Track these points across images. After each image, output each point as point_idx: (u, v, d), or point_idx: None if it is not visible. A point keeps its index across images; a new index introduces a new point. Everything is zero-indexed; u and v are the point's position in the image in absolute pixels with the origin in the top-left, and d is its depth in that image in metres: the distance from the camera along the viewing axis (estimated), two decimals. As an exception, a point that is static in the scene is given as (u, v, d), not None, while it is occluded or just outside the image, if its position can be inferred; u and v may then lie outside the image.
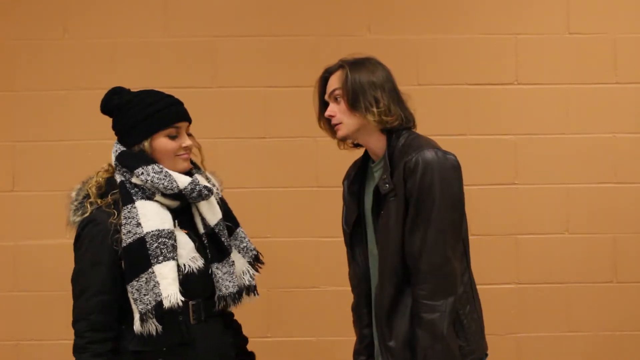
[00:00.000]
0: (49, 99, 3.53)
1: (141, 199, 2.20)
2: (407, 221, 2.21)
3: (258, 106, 3.53)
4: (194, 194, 2.23)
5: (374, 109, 2.28)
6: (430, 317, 2.17)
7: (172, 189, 2.20)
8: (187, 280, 2.19)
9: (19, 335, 3.51)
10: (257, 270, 2.43)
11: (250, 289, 2.39)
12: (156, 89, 2.33)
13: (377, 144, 2.36)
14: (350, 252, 2.47)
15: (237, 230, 2.41)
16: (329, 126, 2.41)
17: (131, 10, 3.54)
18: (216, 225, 2.31)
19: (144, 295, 2.12)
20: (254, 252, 2.43)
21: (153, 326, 2.11)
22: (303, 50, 3.55)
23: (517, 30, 3.58)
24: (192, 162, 2.37)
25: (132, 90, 2.34)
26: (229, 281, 2.29)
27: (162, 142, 2.25)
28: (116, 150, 2.27)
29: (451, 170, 2.23)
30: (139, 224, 2.16)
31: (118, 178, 2.25)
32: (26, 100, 3.53)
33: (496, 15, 3.59)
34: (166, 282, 2.12)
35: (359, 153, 2.49)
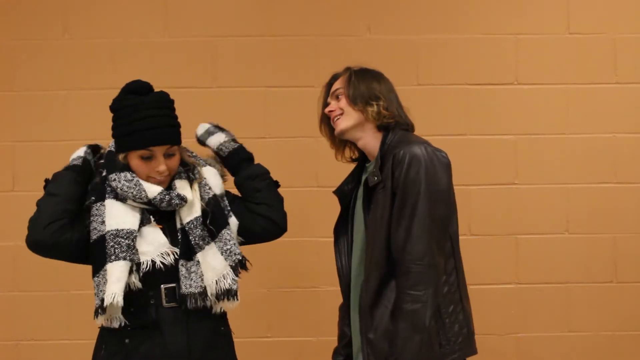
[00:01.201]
0: (49, 99, 3.53)
1: (113, 198, 2.30)
2: (393, 212, 2.24)
3: (258, 106, 3.54)
4: (164, 204, 2.31)
5: (374, 102, 2.36)
6: (411, 307, 2.18)
7: (140, 199, 2.29)
8: (154, 274, 2.26)
9: (19, 335, 3.51)
10: (236, 275, 2.36)
11: (231, 293, 2.33)
12: (161, 95, 2.36)
13: (373, 142, 2.40)
14: (335, 247, 2.52)
15: (223, 231, 2.37)
16: (330, 131, 2.49)
17: (131, 10, 3.54)
18: (188, 223, 2.33)
19: (100, 291, 2.23)
20: (238, 257, 2.36)
21: (106, 319, 2.23)
22: (303, 50, 3.55)
23: (517, 30, 3.58)
24: (192, 155, 2.45)
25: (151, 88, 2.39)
26: (193, 280, 2.29)
27: (134, 162, 2.32)
28: (108, 147, 2.38)
29: (438, 166, 2.26)
30: (103, 222, 2.27)
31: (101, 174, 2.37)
32: (26, 100, 3.53)
33: (496, 15, 3.59)
34: (110, 281, 2.21)
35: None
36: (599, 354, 3.56)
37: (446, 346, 2.25)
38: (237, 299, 2.34)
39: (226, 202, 2.45)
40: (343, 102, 2.41)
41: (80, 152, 2.41)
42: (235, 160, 2.51)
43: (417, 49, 3.57)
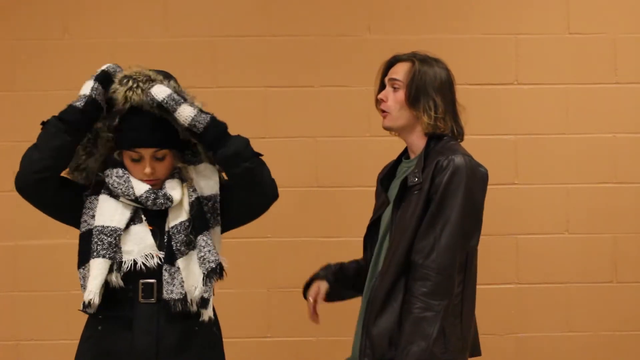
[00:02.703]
0: (49, 99, 3.52)
1: (107, 194, 2.31)
2: (425, 217, 2.23)
3: (258, 106, 3.53)
4: (149, 202, 2.29)
5: (432, 113, 2.32)
6: (423, 314, 2.17)
7: (128, 195, 2.29)
8: (135, 273, 2.26)
9: (19, 335, 3.51)
10: (205, 284, 2.28)
11: (204, 303, 2.28)
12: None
13: (417, 142, 2.38)
14: (365, 242, 2.49)
15: (199, 237, 2.30)
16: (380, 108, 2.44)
17: (131, 10, 3.54)
18: (172, 227, 2.31)
19: (83, 286, 2.28)
20: (211, 265, 2.28)
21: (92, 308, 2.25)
22: (303, 50, 3.54)
23: (517, 30, 3.58)
24: (193, 150, 2.38)
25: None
26: (174, 286, 2.26)
27: (126, 161, 2.33)
28: None
29: (479, 181, 2.27)
30: (93, 216, 2.29)
31: None
32: (26, 100, 3.52)
33: (496, 15, 3.59)
34: (91, 278, 2.24)
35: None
36: (599, 354, 3.56)
37: (444, 354, 2.23)
38: (207, 308, 2.29)
39: (214, 202, 2.36)
40: (399, 98, 2.36)
41: (87, 88, 2.34)
42: (211, 136, 2.29)
43: (417, 49, 3.56)
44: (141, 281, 2.28)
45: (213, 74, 3.52)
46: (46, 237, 3.47)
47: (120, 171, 2.31)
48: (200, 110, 2.31)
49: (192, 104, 2.31)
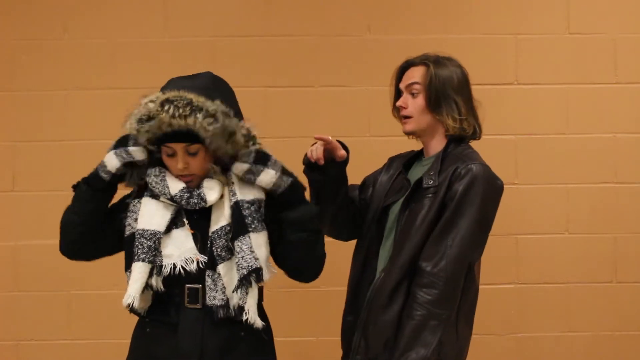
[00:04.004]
0: (49, 99, 3.53)
1: (149, 196, 2.28)
2: (438, 224, 2.21)
3: (258, 106, 3.53)
4: (183, 202, 2.25)
5: (456, 115, 2.30)
6: (426, 322, 2.16)
7: (165, 194, 2.25)
8: (180, 277, 2.23)
9: (19, 335, 3.50)
10: (238, 291, 2.22)
11: (240, 310, 2.23)
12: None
13: (436, 145, 2.37)
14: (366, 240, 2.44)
15: (235, 243, 2.23)
16: (400, 115, 2.42)
17: (131, 10, 3.54)
18: (214, 232, 2.26)
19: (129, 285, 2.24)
20: (244, 272, 2.22)
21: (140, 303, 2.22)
22: (303, 50, 3.54)
23: (517, 30, 3.58)
24: (230, 155, 2.27)
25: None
26: (215, 291, 2.23)
27: (164, 157, 2.28)
28: None
29: (495, 194, 2.28)
30: (136, 219, 2.26)
31: None
32: (26, 100, 3.52)
33: (496, 15, 3.59)
34: (131, 281, 2.22)
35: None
36: (599, 354, 3.55)
37: None
38: (243, 316, 2.23)
39: (258, 206, 2.27)
40: (419, 103, 2.34)
41: (114, 161, 2.25)
42: (285, 198, 2.28)
43: (417, 49, 3.55)
44: (187, 286, 2.24)
45: (213, 74, 3.52)
46: (46, 237, 3.46)
47: (157, 170, 2.27)
48: (282, 172, 2.28)
49: (273, 165, 2.27)
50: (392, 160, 2.55)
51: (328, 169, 2.41)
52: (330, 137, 2.40)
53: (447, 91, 2.31)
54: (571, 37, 3.58)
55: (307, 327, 3.52)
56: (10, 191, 3.51)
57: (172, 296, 2.25)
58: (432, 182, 2.24)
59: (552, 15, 3.58)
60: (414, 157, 2.47)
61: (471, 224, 2.19)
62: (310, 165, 2.44)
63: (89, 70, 3.53)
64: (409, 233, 2.24)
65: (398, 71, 2.44)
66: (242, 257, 2.21)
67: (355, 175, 3.44)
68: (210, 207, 2.28)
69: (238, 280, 2.22)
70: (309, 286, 3.54)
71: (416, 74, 2.37)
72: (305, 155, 2.46)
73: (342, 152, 2.41)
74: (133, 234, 2.25)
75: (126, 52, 3.52)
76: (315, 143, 2.44)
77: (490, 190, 2.24)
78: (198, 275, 2.24)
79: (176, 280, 2.24)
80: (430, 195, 2.23)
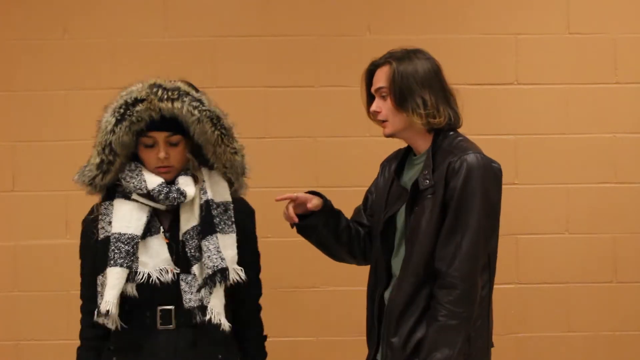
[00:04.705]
0: (49, 99, 3.53)
1: (121, 197, 2.23)
2: (444, 224, 2.19)
3: (258, 106, 3.53)
4: (161, 196, 2.19)
5: (421, 111, 2.25)
6: (449, 322, 2.15)
7: (141, 189, 2.20)
8: (150, 289, 2.18)
9: (19, 335, 3.50)
10: (205, 287, 2.18)
11: (202, 310, 2.19)
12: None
13: (421, 142, 2.32)
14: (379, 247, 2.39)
15: (202, 242, 2.20)
16: (377, 120, 2.38)
17: (131, 10, 3.54)
18: (185, 233, 2.23)
19: (100, 294, 2.18)
20: (208, 272, 2.17)
21: (110, 322, 2.18)
22: (303, 50, 3.55)
23: (517, 30, 3.58)
24: (204, 157, 2.26)
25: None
26: (191, 294, 2.19)
27: (141, 150, 2.24)
28: None
29: (494, 179, 2.22)
30: (110, 222, 2.21)
31: None
32: (26, 100, 3.52)
33: (496, 15, 3.59)
34: (108, 287, 2.15)
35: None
36: (599, 354, 3.56)
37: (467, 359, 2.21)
38: (206, 315, 2.19)
39: (226, 209, 2.27)
40: (389, 105, 2.29)
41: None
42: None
43: (415, 48, 3.57)
44: (159, 307, 2.20)
45: (213, 74, 3.52)
46: (46, 237, 3.47)
47: (133, 164, 2.22)
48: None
49: None
50: (383, 166, 2.52)
51: (312, 221, 2.40)
52: (292, 194, 2.38)
53: (412, 86, 2.26)
54: (571, 37, 3.58)
55: (307, 327, 3.52)
56: (10, 191, 3.51)
57: (144, 318, 2.20)
58: (428, 182, 2.21)
59: (552, 15, 3.58)
60: (404, 156, 2.43)
61: (476, 218, 2.16)
62: (295, 225, 2.44)
63: (89, 70, 3.53)
64: (416, 238, 2.22)
65: (366, 75, 2.39)
66: (209, 256, 2.18)
67: (355, 175, 3.45)
68: (179, 207, 2.25)
69: (202, 279, 2.18)
70: (309, 286, 3.56)
71: (382, 76, 2.32)
72: None
73: (314, 203, 2.39)
74: (107, 237, 2.19)
75: (126, 52, 3.52)
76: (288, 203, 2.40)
77: (489, 176, 2.20)
78: (168, 292, 2.19)
79: (150, 301, 2.19)
80: (429, 195, 2.21)
